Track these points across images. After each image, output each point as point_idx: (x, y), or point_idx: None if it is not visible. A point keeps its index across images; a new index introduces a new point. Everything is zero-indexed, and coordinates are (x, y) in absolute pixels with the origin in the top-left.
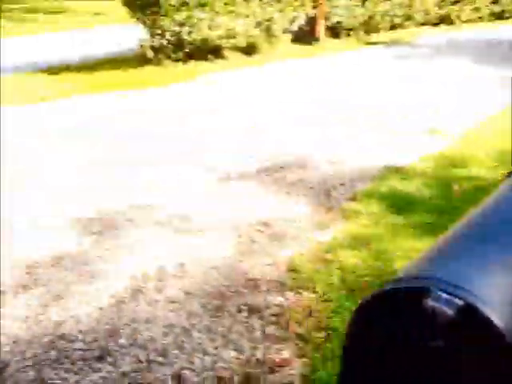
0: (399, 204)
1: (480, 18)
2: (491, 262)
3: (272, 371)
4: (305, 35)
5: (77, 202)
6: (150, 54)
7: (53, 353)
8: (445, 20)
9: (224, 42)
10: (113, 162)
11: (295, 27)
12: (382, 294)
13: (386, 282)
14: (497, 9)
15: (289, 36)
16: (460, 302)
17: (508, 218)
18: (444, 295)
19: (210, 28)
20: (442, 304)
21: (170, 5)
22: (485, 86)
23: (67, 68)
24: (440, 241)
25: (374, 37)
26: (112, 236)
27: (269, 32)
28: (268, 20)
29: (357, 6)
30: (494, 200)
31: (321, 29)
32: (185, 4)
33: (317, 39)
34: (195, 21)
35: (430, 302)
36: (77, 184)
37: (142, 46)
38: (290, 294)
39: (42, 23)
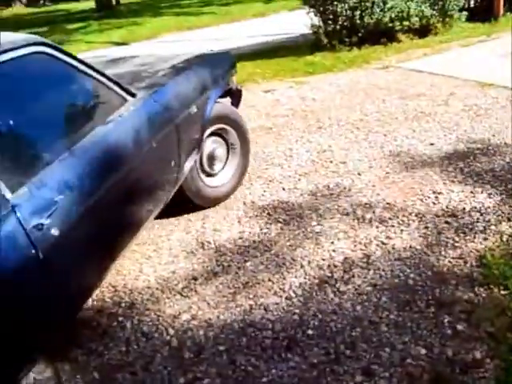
0: None
1: None
2: None
3: (463, 372)
4: (482, 11)
5: None
6: (325, 39)
7: (243, 339)
8: None
9: (397, 25)
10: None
11: (471, 3)
12: None
13: None
14: None
15: (464, 14)
16: None
17: None
18: None
19: (382, 11)
20: None
21: None
22: None
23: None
24: None
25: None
26: (297, 225)
27: (443, 11)
28: None
29: None
30: None
31: (500, 3)
32: None
33: (495, 15)
34: (368, 4)
35: None
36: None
37: (315, 32)
38: (480, 290)
39: (219, 16)
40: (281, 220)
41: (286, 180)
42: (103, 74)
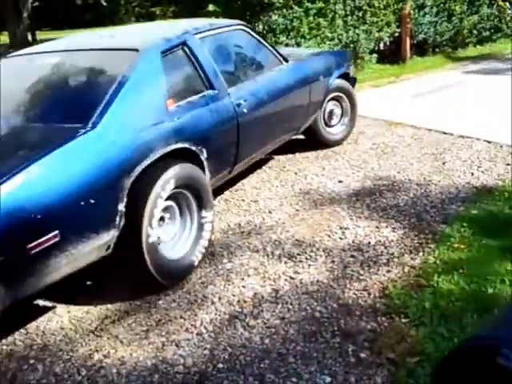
0: (493, 226)
1: None
2: None
3: None
4: (391, 54)
5: None
6: None
7: (156, 376)
8: None
9: None
10: None
11: (381, 47)
12: (457, 353)
13: (463, 340)
14: None
15: (374, 56)
16: None
17: None
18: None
19: None
20: (509, 362)
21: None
22: None
23: None
24: None
25: (461, 52)
26: (209, 263)
27: (355, 53)
28: (354, 42)
29: (442, 21)
30: None
31: (406, 47)
32: (271, 30)
33: (403, 58)
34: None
35: (499, 360)
36: None
37: None
38: (382, 320)
39: None
40: None
41: None
42: (272, 46)
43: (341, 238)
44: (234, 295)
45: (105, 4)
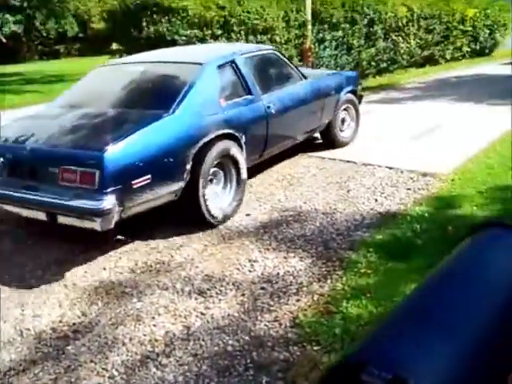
0: (397, 250)
1: (462, 56)
2: (424, 339)
3: None
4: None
5: None
6: None
7: None
8: (430, 61)
9: None
10: None
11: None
12: (331, 370)
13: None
14: (476, 46)
15: None
16: (390, 376)
17: (447, 298)
18: (377, 370)
19: None
20: (375, 378)
21: None
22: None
23: None
24: (384, 319)
25: (362, 83)
26: (118, 304)
27: None
28: None
29: (342, 54)
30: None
31: (308, 59)
32: None
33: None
34: None
35: (365, 377)
36: None
37: None
38: (294, 349)
39: (43, 94)
40: (102, 300)
41: (107, 259)
42: (295, 66)
43: (250, 271)
44: (145, 335)
45: (4, 41)
